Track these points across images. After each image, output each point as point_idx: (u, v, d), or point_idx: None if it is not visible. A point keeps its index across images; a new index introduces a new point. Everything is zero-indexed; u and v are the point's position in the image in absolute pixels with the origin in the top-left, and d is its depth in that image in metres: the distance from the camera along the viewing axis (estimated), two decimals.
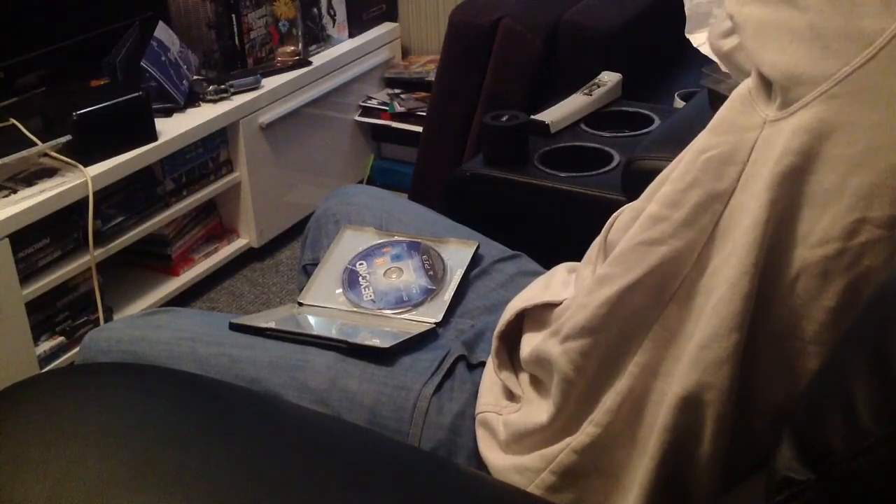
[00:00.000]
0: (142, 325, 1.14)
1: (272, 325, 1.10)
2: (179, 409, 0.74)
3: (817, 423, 0.61)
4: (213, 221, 2.46)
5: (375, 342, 1.05)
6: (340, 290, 1.20)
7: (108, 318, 2.07)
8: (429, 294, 1.17)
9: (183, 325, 1.12)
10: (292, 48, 2.62)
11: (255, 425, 0.74)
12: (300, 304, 1.21)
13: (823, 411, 0.61)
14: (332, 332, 1.11)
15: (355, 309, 1.18)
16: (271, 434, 0.73)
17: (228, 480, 0.64)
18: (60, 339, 2.01)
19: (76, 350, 2.01)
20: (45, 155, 1.97)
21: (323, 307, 1.19)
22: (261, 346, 1.07)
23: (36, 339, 1.95)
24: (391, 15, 2.92)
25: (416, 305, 1.16)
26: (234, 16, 2.46)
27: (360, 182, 2.85)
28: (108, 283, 2.13)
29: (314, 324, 1.18)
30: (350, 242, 1.25)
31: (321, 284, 1.22)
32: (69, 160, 1.97)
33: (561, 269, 1.02)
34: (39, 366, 1.94)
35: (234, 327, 1.09)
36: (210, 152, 2.34)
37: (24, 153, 1.92)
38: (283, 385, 1.02)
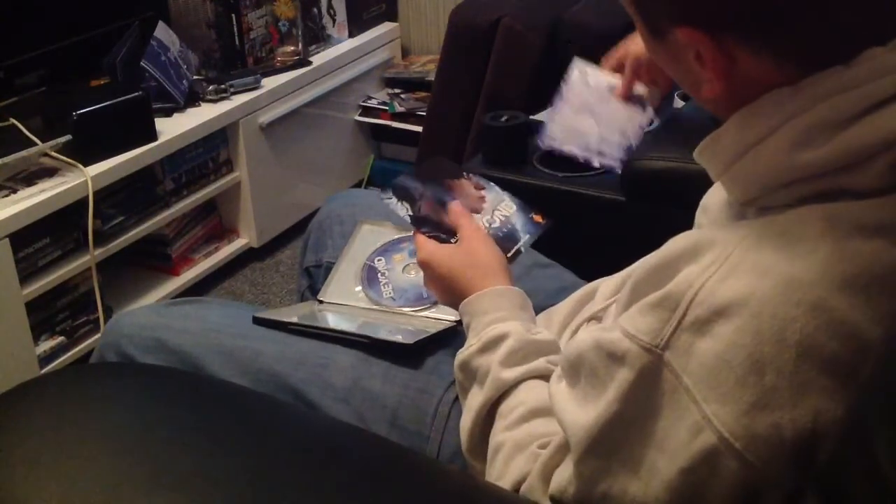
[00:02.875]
0: (168, 312, 1.14)
1: (295, 319, 1.10)
2: (190, 410, 0.74)
3: (841, 479, 0.61)
4: (213, 221, 2.46)
5: (398, 338, 1.05)
6: (360, 288, 1.20)
7: (108, 318, 2.07)
8: None
9: (209, 315, 1.13)
10: (292, 48, 2.62)
11: (266, 429, 0.75)
12: (321, 302, 1.21)
13: (846, 467, 0.60)
14: (355, 330, 1.11)
15: (375, 306, 1.18)
16: (282, 439, 0.73)
17: (239, 483, 0.65)
18: (60, 338, 2.01)
19: (76, 350, 2.02)
20: (45, 155, 1.97)
21: (343, 305, 1.19)
22: (285, 341, 1.07)
23: (36, 339, 1.95)
24: (391, 15, 2.92)
25: (436, 302, 1.15)
26: (234, 16, 2.47)
27: (360, 182, 2.85)
28: (108, 283, 2.13)
29: (335, 321, 1.18)
30: (368, 237, 1.25)
31: (340, 281, 1.22)
32: (69, 160, 1.97)
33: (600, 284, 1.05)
34: (39, 366, 1.94)
35: (258, 321, 1.09)
36: (210, 152, 2.34)
37: (24, 153, 1.92)
38: (307, 382, 1.02)
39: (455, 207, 1.06)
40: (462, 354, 0.92)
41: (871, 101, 0.63)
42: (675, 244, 0.68)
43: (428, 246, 1.02)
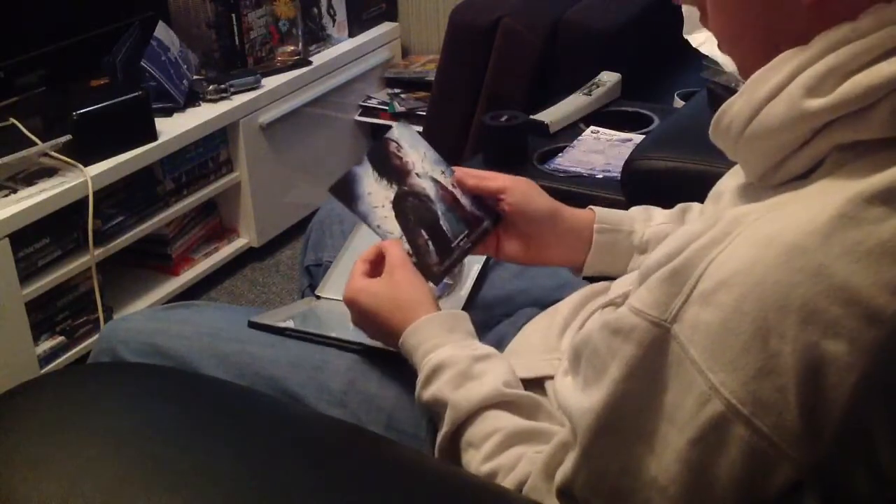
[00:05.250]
0: (162, 317, 1.14)
1: (290, 323, 1.10)
2: (191, 410, 0.74)
3: (841, 475, 0.61)
4: (213, 221, 2.46)
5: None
6: None
7: (108, 318, 2.07)
8: (446, 289, 1.16)
9: (204, 320, 1.13)
10: (292, 48, 2.62)
11: (266, 428, 0.75)
12: (318, 298, 1.21)
13: (846, 463, 0.61)
14: (350, 329, 1.11)
15: None
16: (282, 437, 0.73)
17: (240, 483, 0.65)
18: (60, 338, 2.01)
19: (76, 350, 2.03)
20: (45, 155, 1.97)
21: (340, 301, 1.19)
22: (281, 344, 1.07)
23: (36, 339, 1.95)
24: (391, 15, 2.92)
25: (439, 297, 1.15)
26: (234, 15, 2.47)
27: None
28: (108, 283, 2.13)
29: (332, 319, 1.17)
30: (367, 235, 1.25)
31: (338, 278, 1.22)
32: (69, 160, 1.97)
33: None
34: (39, 366, 1.95)
35: (253, 325, 1.09)
36: (210, 152, 2.34)
37: (24, 153, 1.92)
38: (303, 385, 1.02)
39: (389, 243, 1.02)
40: (416, 395, 0.93)
41: (877, 50, 0.64)
42: (686, 232, 0.69)
43: (355, 283, 1.00)
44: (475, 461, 0.85)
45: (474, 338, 0.95)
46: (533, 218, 1.06)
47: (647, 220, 1.09)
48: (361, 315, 0.99)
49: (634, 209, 1.11)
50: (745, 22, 0.72)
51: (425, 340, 0.93)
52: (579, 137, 1.88)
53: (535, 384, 0.94)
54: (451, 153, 2.33)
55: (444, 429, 0.88)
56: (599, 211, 1.09)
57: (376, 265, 1.02)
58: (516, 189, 1.06)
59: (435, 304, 0.97)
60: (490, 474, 0.83)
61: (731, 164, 0.83)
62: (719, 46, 0.78)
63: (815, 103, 0.65)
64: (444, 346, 0.91)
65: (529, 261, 1.09)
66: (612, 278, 1.04)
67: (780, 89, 0.67)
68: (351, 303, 1.00)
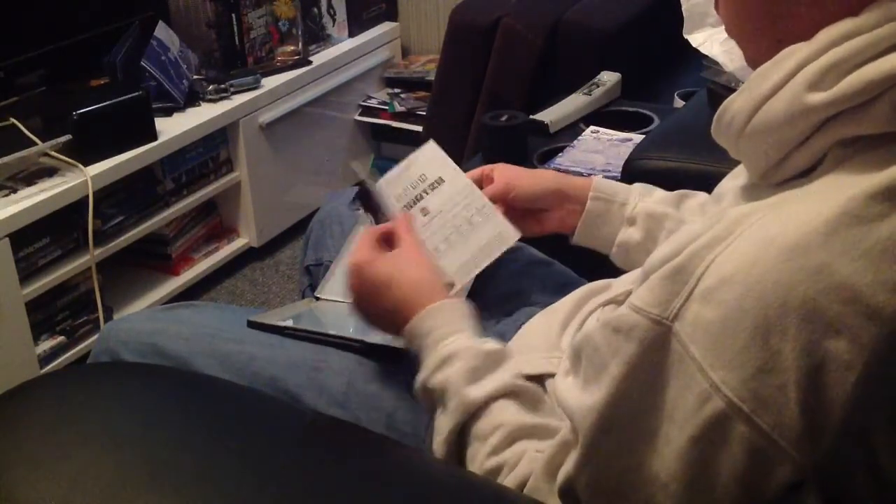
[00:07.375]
0: (162, 318, 1.14)
1: (290, 322, 1.10)
2: (191, 410, 0.74)
3: (841, 475, 0.61)
4: (213, 221, 2.46)
5: (392, 342, 1.04)
6: None
7: (108, 318, 2.07)
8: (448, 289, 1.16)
9: (203, 320, 1.13)
10: (292, 48, 2.62)
11: (266, 428, 0.75)
12: (317, 299, 1.21)
13: (846, 463, 0.61)
14: (349, 329, 1.11)
15: None
16: (281, 437, 0.73)
17: (240, 483, 0.65)
18: (60, 338, 2.01)
19: (76, 350, 2.03)
20: (45, 154, 1.97)
21: (340, 301, 1.19)
22: (280, 344, 1.07)
23: (36, 339, 1.95)
24: (391, 14, 2.92)
25: None
26: (234, 15, 2.47)
27: (360, 182, 2.84)
28: (108, 283, 2.13)
29: (331, 319, 1.17)
30: None
31: (338, 278, 1.22)
32: (69, 160, 1.97)
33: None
34: (39, 365, 1.95)
35: (252, 325, 1.09)
36: (210, 152, 2.34)
37: (24, 153, 1.92)
38: (302, 385, 1.02)
39: (402, 220, 1.04)
40: (419, 379, 0.91)
41: (880, 46, 0.64)
42: (688, 232, 0.69)
43: (364, 253, 0.98)
44: (480, 454, 0.85)
45: (481, 330, 0.95)
46: (536, 200, 1.14)
47: (645, 195, 1.11)
48: (365, 288, 0.96)
49: (637, 184, 1.13)
50: (751, 13, 0.73)
51: (441, 325, 0.91)
52: (579, 137, 1.88)
53: (536, 382, 0.94)
54: (451, 153, 2.33)
55: (452, 420, 0.86)
56: (598, 180, 1.11)
57: (385, 239, 1.02)
58: (512, 183, 1.14)
59: (443, 291, 0.96)
60: (494, 469, 0.83)
61: (731, 165, 0.83)
62: (728, 34, 0.78)
63: (817, 98, 0.65)
64: (460, 335, 0.90)
65: (529, 233, 1.14)
66: (601, 255, 1.08)
67: (782, 84, 0.67)
68: (354, 274, 0.97)
